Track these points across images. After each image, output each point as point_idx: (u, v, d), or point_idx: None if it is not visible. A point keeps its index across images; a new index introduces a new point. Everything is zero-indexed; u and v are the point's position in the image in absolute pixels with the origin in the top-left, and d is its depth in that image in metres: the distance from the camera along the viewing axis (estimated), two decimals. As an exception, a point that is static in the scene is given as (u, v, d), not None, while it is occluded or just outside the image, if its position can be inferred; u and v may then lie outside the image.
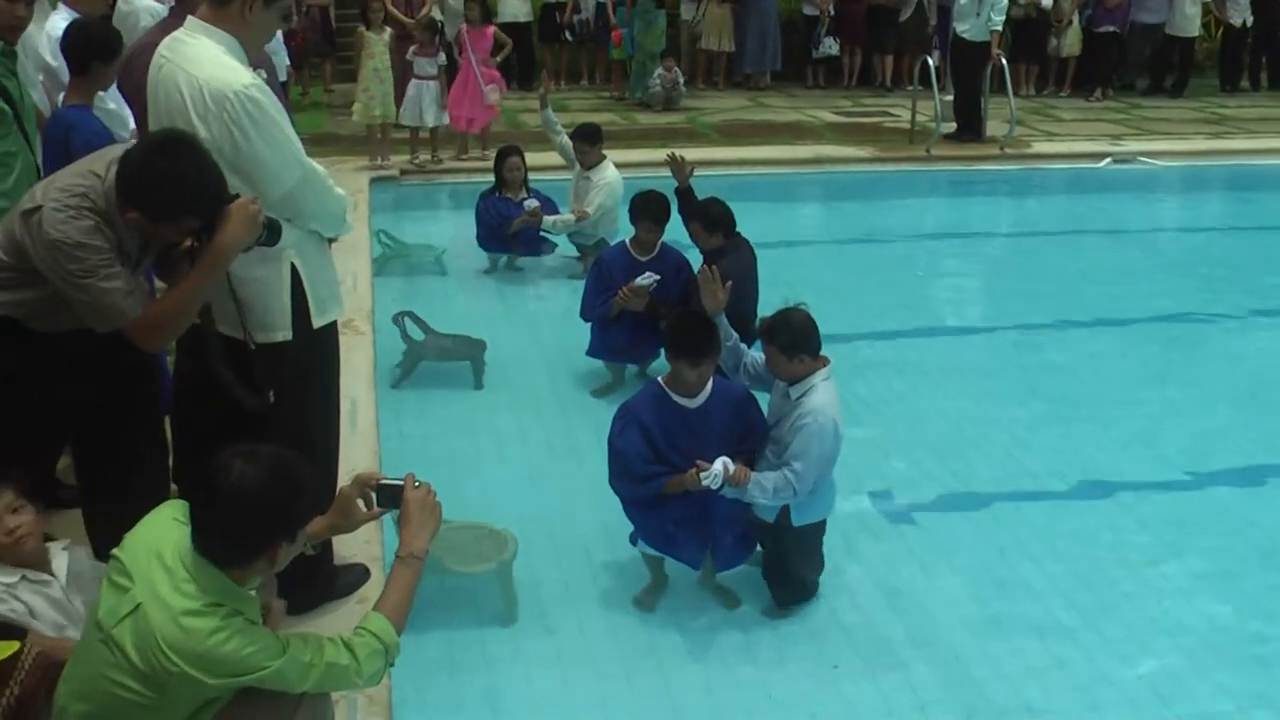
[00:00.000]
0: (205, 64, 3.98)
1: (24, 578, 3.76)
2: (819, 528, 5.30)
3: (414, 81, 12.57)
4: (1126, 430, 7.27)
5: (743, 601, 5.34)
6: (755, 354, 5.47)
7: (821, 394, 5.06)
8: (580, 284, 8.19)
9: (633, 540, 5.30)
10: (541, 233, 9.76)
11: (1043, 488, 6.52)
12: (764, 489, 4.95)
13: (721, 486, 4.86)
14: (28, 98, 4.97)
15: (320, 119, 15.75)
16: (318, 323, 4.33)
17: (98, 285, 3.74)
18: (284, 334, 4.24)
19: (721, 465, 4.83)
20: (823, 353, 5.17)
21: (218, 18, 4.07)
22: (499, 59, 13.63)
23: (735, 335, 5.54)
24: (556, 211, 9.78)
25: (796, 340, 5.08)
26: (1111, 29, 19.10)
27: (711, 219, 7.40)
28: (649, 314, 7.32)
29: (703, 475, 4.82)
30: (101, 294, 3.76)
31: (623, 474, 5.13)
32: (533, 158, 10.25)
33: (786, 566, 5.29)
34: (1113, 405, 7.64)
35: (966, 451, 6.93)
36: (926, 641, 5.13)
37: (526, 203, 9.57)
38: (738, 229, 7.47)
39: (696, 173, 8.46)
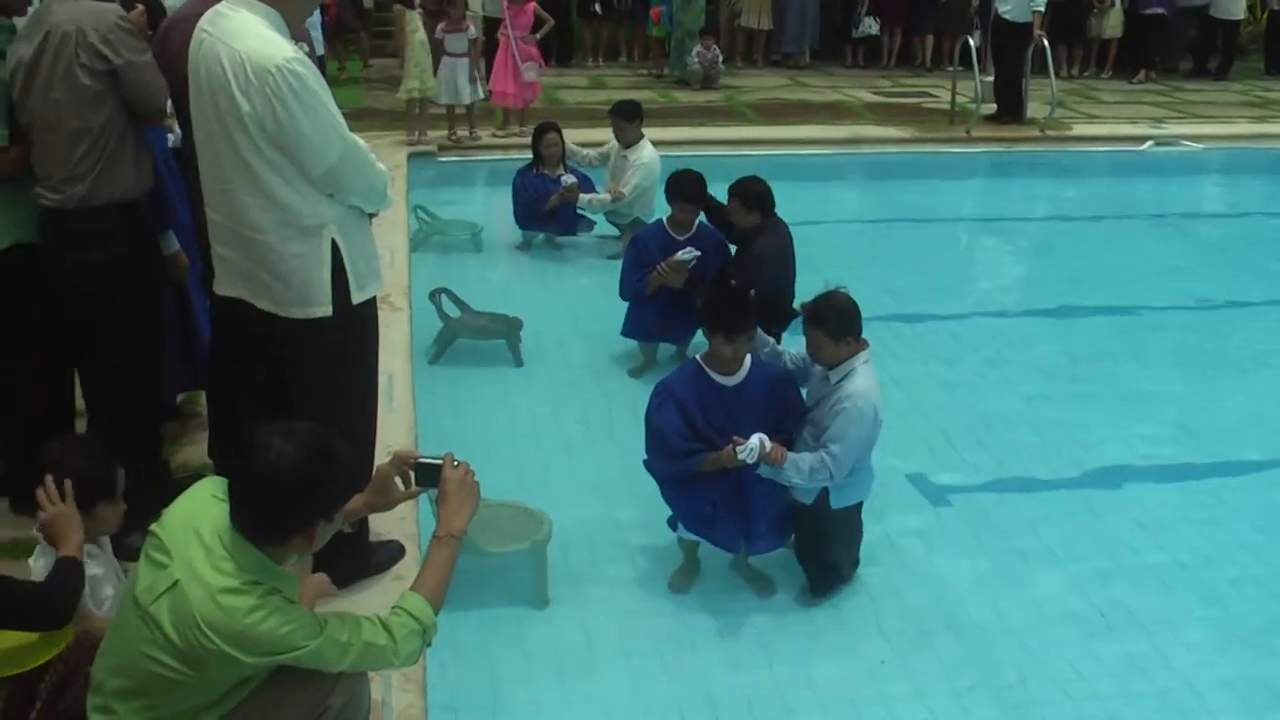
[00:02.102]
0: (247, 37, 3.96)
1: (86, 554, 3.81)
2: (856, 510, 5.27)
3: (445, 59, 12.53)
4: (1167, 415, 7.21)
5: (777, 587, 5.31)
6: (794, 350, 5.45)
7: (862, 377, 5.03)
8: (617, 263, 8.14)
9: (671, 525, 5.27)
10: (578, 211, 9.73)
11: (1083, 473, 6.47)
12: (800, 470, 4.92)
13: (758, 463, 4.84)
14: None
15: (358, 94, 15.73)
16: (357, 299, 4.31)
17: None
18: (323, 310, 4.22)
19: (758, 440, 4.81)
20: (863, 336, 5.14)
21: None
22: (539, 35, 13.59)
23: (771, 340, 5.52)
24: (593, 189, 9.75)
25: (844, 324, 5.05)
26: (1159, 10, 18.88)
27: (750, 196, 7.33)
28: (686, 292, 7.27)
29: (739, 449, 4.79)
30: None
31: (659, 451, 5.11)
32: (571, 134, 10.20)
33: (821, 550, 5.26)
34: (1153, 390, 7.58)
35: (1005, 436, 6.88)
36: (963, 630, 5.09)
37: (563, 178, 9.54)
38: (776, 210, 7.41)
39: (734, 151, 8.38)
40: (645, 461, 5.23)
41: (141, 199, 5.00)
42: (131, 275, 4.93)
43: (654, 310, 7.52)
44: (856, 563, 5.38)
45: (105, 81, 4.65)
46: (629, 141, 9.67)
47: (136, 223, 4.98)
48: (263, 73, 3.91)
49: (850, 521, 5.27)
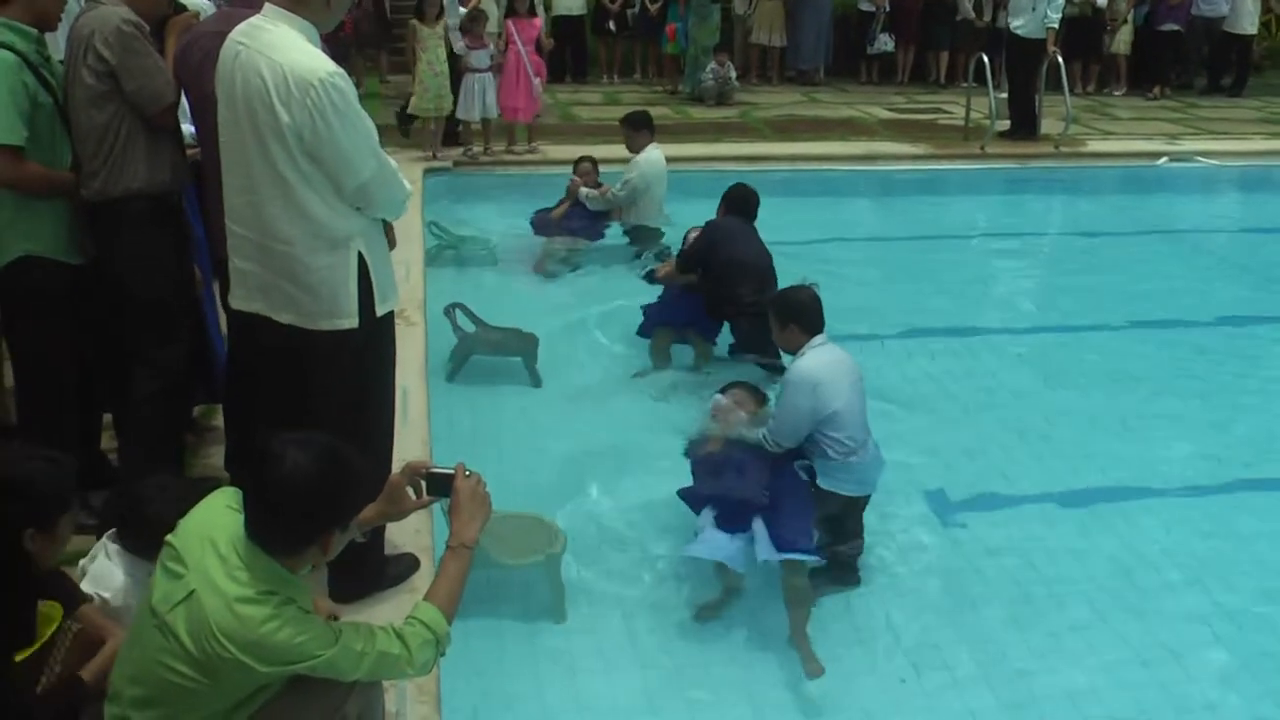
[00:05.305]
0: (289, 50, 3.98)
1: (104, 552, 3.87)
2: (849, 504, 5.35)
3: (469, 75, 12.54)
4: (1180, 433, 7.18)
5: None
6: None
7: (809, 358, 5.41)
8: (632, 275, 8.20)
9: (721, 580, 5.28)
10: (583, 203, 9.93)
11: (1095, 488, 6.45)
12: (752, 431, 5.49)
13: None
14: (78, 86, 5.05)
15: (374, 109, 15.78)
16: (380, 311, 4.34)
17: None
18: (350, 321, 4.23)
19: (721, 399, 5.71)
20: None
21: (299, 6, 4.08)
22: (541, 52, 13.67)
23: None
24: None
25: (789, 310, 5.56)
26: (1174, 27, 18.87)
27: (727, 198, 7.85)
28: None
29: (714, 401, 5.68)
30: None
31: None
32: (586, 149, 10.22)
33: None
34: (1167, 407, 7.56)
35: (1019, 452, 6.87)
36: (982, 649, 5.08)
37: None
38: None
39: (749, 167, 8.50)
40: (680, 491, 5.31)
41: (170, 195, 5.16)
42: (156, 265, 5.11)
43: (684, 306, 7.67)
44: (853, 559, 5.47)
45: (108, 82, 4.85)
46: (635, 148, 9.78)
47: (163, 216, 5.13)
48: (305, 85, 3.93)
49: (842, 512, 5.36)
